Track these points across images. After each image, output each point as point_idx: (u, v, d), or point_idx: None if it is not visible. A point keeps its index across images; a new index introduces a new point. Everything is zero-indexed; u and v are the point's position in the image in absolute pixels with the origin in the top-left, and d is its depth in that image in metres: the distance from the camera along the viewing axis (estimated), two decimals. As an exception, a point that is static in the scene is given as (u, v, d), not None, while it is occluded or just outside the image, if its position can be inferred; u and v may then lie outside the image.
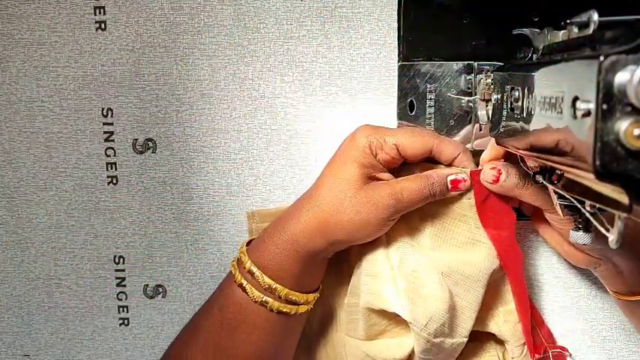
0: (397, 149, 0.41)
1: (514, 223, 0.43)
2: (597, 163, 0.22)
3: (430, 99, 0.45)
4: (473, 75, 0.44)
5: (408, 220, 0.44)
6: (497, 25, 0.44)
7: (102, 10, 0.47)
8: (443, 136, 0.44)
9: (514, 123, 0.34)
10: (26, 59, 0.48)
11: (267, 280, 0.41)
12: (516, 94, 0.34)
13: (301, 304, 0.42)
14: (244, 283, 0.41)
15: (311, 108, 0.48)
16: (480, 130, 0.44)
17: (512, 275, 0.44)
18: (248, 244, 0.44)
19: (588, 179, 0.24)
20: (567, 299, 0.50)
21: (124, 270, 0.51)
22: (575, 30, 0.31)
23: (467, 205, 0.43)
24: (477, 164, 0.43)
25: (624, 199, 0.23)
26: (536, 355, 0.46)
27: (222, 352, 0.42)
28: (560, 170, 0.32)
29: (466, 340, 0.43)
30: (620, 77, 0.21)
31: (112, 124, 0.49)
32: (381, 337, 0.45)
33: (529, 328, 0.45)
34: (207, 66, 0.47)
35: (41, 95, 0.48)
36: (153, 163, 0.49)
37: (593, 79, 0.22)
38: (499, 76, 0.39)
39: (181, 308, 0.51)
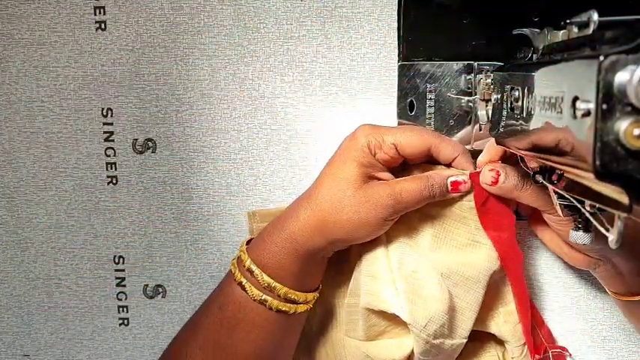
0: (396, 148, 0.41)
1: (514, 224, 0.43)
2: (597, 163, 0.22)
3: (430, 99, 0.45)
4: (473, 75, 0.44)
5: (408, 220, 0.43)
6: (497, 25, 0.44)
7: (102, 10, 0.47)
8: (443, 135, 0.44)
9: (514, 123, 0.34)
10: (26, 59, 0.48)
11: (266, 278, 0.41)
12: (516, 94, 0.34)
13: (300, 303, 0.42)
14: (244, 281, 0.41)
15: (311, 108, 0.48)
16: (480, 130, 0.44)
17: (513, 276, 0.44)
18: (248, 242, 0.44)
19: (588, 179, 0.24)
20: (567, 299, 0.50)
21: (123, 270, 0.51)
22: (575, 30, 0.31)
23: (467, 207, 0.43)
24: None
25: (624, 199, 0.23)
26: (537, 356, 0.46)
27: (221, 350, 0.43)
28: (560, 170, 0.32)
29: (465, 341, 0.43)
30: (620, 77, 0.21)
31: (111, 124, 0.49)
32: (381, 337, 0.45)
33: (529, 329, 0.45)
34: (207, 66, 0.47)
35: (41, 95, 0.48)
36: (153, 163, 0.49)
37: (593, 79, 0.22)
38: (499, 76, 0.39)
39: (181, 308, 0.51)
